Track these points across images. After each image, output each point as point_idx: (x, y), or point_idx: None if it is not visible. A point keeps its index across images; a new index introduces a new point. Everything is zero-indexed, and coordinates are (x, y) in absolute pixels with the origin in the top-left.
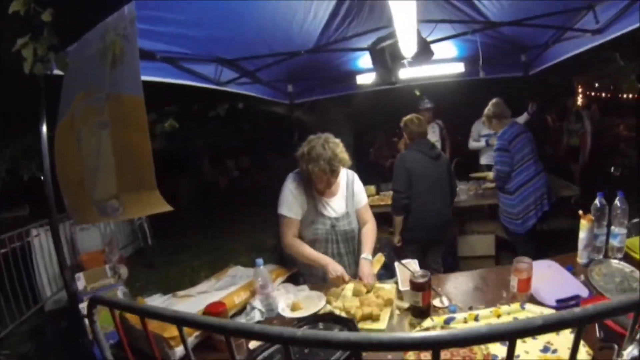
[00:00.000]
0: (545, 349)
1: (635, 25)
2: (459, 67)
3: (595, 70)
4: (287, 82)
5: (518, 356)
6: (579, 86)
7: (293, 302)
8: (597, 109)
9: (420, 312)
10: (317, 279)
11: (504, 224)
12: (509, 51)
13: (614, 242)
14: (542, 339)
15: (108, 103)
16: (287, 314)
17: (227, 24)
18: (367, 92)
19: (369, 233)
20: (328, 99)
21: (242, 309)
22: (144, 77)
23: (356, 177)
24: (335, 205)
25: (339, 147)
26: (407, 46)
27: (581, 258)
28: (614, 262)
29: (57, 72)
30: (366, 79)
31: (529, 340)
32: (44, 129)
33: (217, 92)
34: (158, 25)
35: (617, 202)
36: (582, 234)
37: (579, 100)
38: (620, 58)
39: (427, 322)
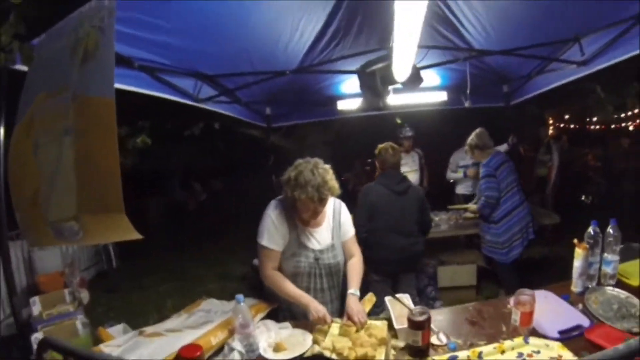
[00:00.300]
0: None
1: (620, 58)
2: (442, 96)
3: (575, 102)
4: (266, 105)
5: None
6: (550, 118)
7: (276, 342)
8: (567, 140)
9: (419, 351)
10: (299, 316)
11: (487, 254)
12: (492, 81)
13: (607, 269)
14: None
15: (74, 104)
16: (270, 355)
17: (213, 36)
18: (347, 118)
19: (356, 267)
20: (307, 124)
21: (219, 350)
22: (118, 85)
23: (343, 206)
24: (320, 237)
25: (329, 174)
26: (401, 70)
27: (576, 287)
28: (609, 289)
29: (20, 67)
30: (348, 105)
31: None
32: (1, 131)
33: (193, 110)
34: (140, 30)
35: (609, 229)
36: (577, 263)
37: (550, 131)
38: (600, 90)
39: None
